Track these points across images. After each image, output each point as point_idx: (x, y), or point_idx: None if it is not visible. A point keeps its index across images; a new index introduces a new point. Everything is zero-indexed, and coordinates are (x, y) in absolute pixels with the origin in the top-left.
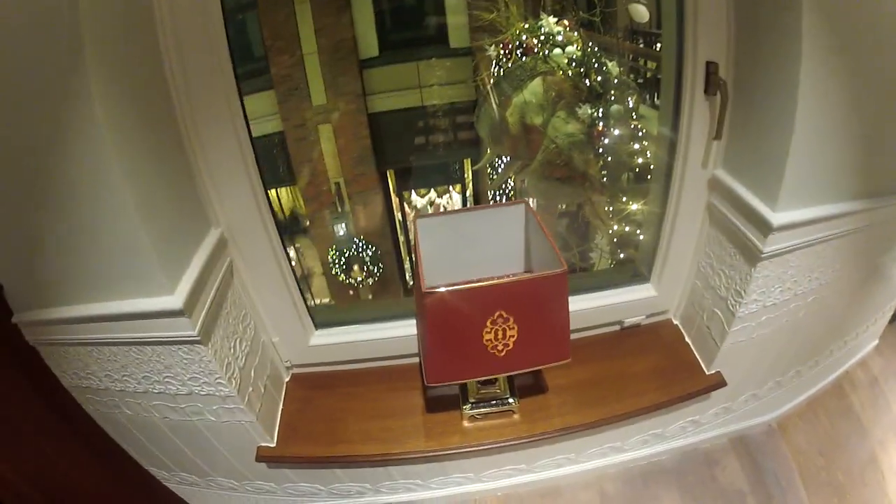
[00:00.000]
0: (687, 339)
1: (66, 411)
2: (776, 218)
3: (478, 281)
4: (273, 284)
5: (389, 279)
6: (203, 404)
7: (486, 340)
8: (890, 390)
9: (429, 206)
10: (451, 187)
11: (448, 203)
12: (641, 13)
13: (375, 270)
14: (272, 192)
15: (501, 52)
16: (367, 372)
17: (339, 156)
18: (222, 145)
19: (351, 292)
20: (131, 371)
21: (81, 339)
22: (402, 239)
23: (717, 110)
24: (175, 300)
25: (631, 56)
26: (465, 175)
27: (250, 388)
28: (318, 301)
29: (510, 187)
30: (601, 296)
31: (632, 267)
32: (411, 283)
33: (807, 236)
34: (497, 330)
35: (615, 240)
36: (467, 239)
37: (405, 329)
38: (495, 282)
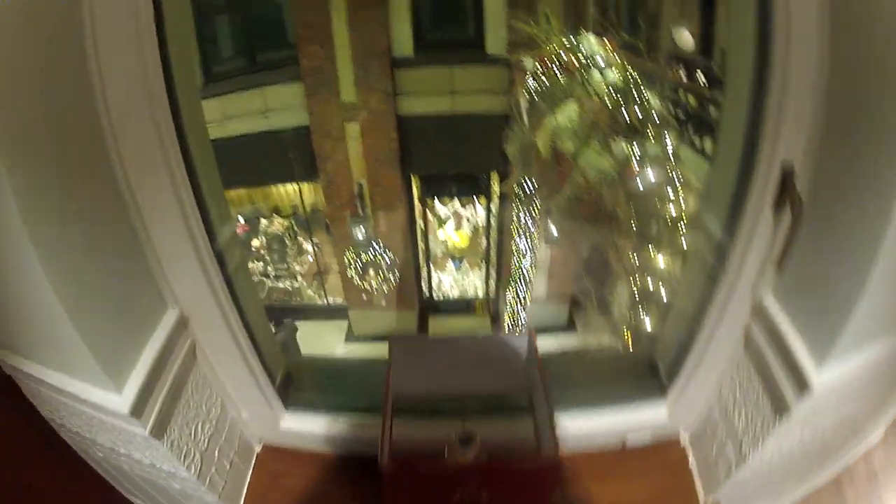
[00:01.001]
0: (691, 463)
1: (44, 434)
2: (819, 377)
3: (452, 449)
4: (235, 365)
5: (405, 289)
6: (167, 475)
7: None
8: (886, 487)
9: (451, 217)
10: (476, 198)
11: (472, 215)
12: (686, 40)
13: (391, 278)
14: (293, 186)
15: (538, 65)
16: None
17: (365, 156)
18: (169, 227)
19: (364, 297)
20: (96, 430)
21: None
22: (421, 247)
23: (784, 232)
24: (122, 402)
25: (673, 87)
26: (492, 188)
27: (213, 469)
28: (332, 299)
29: (531, 216)
30: (607, 413)
31: (645, 370)
32: (427, 295)
33: (847, 388)
34: None
35: (636, 293)
36: (454, 370)
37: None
38: (470, 462)
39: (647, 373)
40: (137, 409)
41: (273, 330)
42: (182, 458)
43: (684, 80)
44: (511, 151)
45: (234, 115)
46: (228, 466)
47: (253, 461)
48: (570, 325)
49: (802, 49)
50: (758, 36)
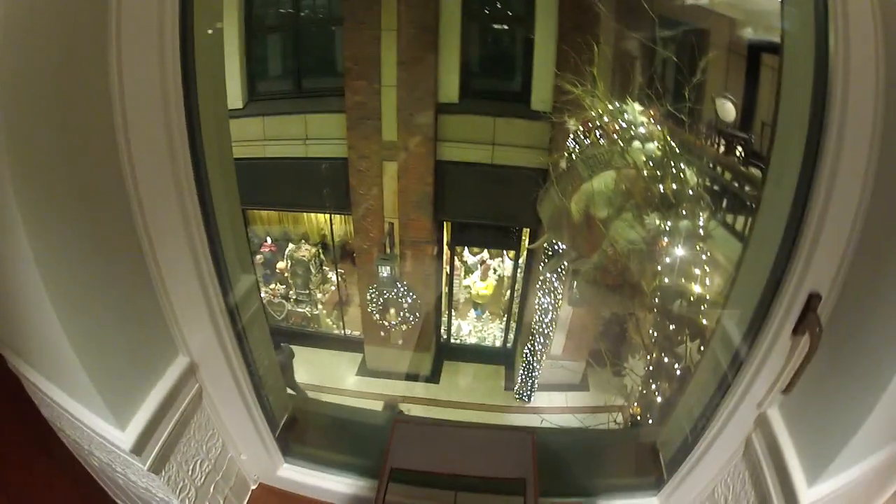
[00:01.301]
0: None
1: (41, 433)
2: (808, 496)
3: None
4: (239, 413)
5: (423, 330)
6: (160, 500)
7: None
8: None
9: (479, 265)
10: (505, 251)
11: (499, 266)
12: (729, 111)
13: (411, 318)
14: (324, 216)
15: (580, 128)
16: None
17: (399, 196)
18: (183, 279)
19: (382, 333)
20: (95, 446)
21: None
22: (445, 292)
23: (798, 357)
24: (124, 438)
25: (711, 162)
26: (522, 242)
27: (207, 503)
28: (349, 331)
29: (557, 275)
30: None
31: (645, 458)
32: (445, 339)
33: (838, 498)
34: None
35: (650, 367)
36: (453, 453)
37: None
38: None
39: (646, 461)
40: (139, 448)
41: (282, 378)
42: (178, 491)
43: (722, 153)
44: (544, 212)
45: (275, 137)
46: (222, 501)
47: (247, 498)
48: (582, 385)
49: (849, 170)
50: (805, 157)
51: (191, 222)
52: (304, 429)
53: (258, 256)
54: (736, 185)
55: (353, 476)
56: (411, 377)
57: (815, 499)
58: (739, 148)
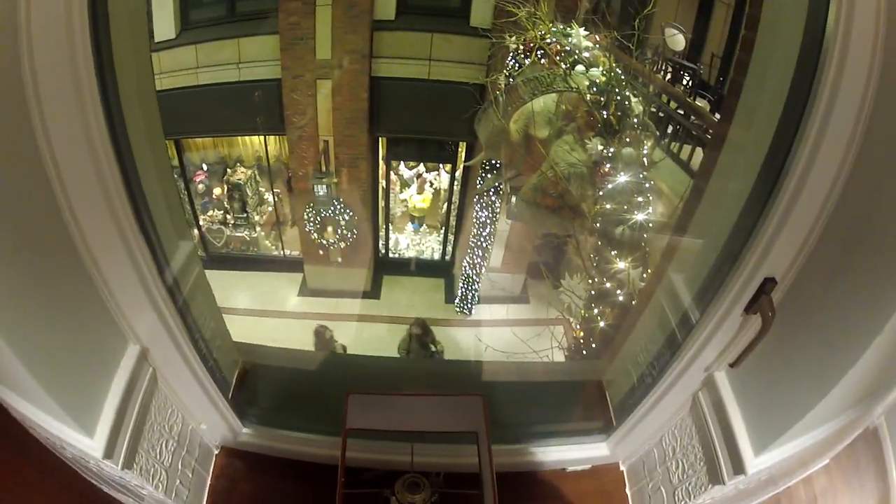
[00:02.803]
0: (627, 491)
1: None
2: (754, 464)
3: None
4: (191, 385)
5: (361, 246)
6: (135, 486)
7: None
8: None
9: (415, 179)
10: (441, 165)
11: (436, 179)
12: (678, 41)
13: (349, 235)
14: (258, 138)
15: (521, 48)
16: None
17: (333, 113)
18: (119, 267)
19: (321, 252)
20: (66, 446)
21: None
22: (381, 205)
23: (747, 335)
24: (94, 445)
25: (657, 91)
26: (459, 156)
27: (178, 481)
28: (288, 252)
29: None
30: (552, 450)
31: (593, 403)
32: (383, 254)
33: (784, 464)
34: None
35: (592, 292)
36: (407, 421)
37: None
38: None
39: (594, 405)
40: (109, 451)
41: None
42: (150, 479)
43: (668, 81)
44: (482, 130)
45: (208, 64)
46: (191, 475)
47: (212, 465)
48: (523, 297)
49: (828, 153)
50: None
51: (117, 208)
52: (257, 390)
53: (196, 185)
54: (682, 114)
55: (312, 434)
56: (352, 294)
57: (761, 467)
58: (687, 77)
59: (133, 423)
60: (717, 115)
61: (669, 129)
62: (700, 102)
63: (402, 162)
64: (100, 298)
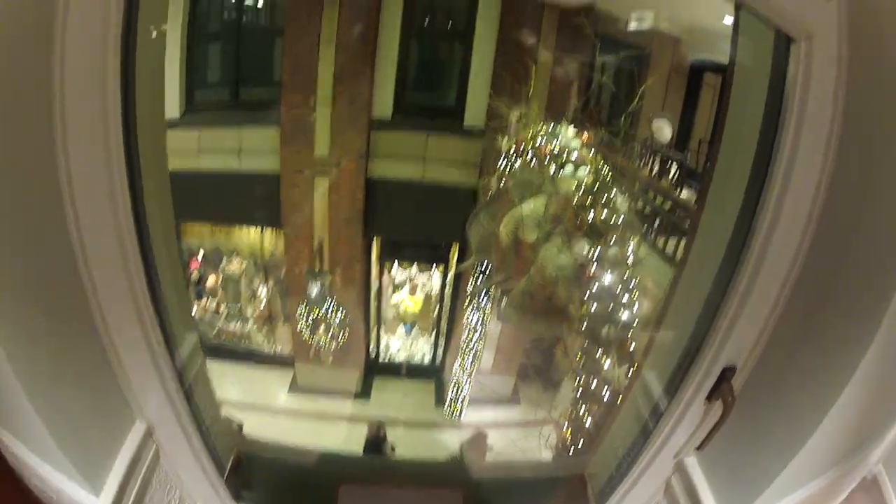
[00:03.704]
0: None
1: None
2: None
3: None
4: (190, 464)
5: (353, 347)
6: None
7: None
8: None
9: (407, 282)
10: (434, 266)
11: (428, 282)
12: (664, 132)
13: (341, 335)
14: (255, 230)
15: (512, 148)
16: None
17: (329, 212)
18: (133, 347)
19: (312, 350)
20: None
21: None
22: (374, 308)
23: (712, 421)
24: None
25: (644, 186)
26: (451, 258)
27: None
28: (279, 348)
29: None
30: None
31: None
32: (374, 357)
33: None
34: None
35: (579, 392)
36: None
37: None
38: None
39: (577, 499)
40: None
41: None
42: None
43: (656, 174)
44: (473, 234)
45: (209, 149)
46: None
47: None
48: (513, 399)
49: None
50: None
51: (137, 291)
52: (252, 476)
53: (191, 273)
54: (667, 208)
55: None
56: (343, 394)
57: None
58: (674, 168)
59: (134, 496)
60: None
61: (656, 223)
62: (687, 192)
63: (395, 263)
64: (114, 373)
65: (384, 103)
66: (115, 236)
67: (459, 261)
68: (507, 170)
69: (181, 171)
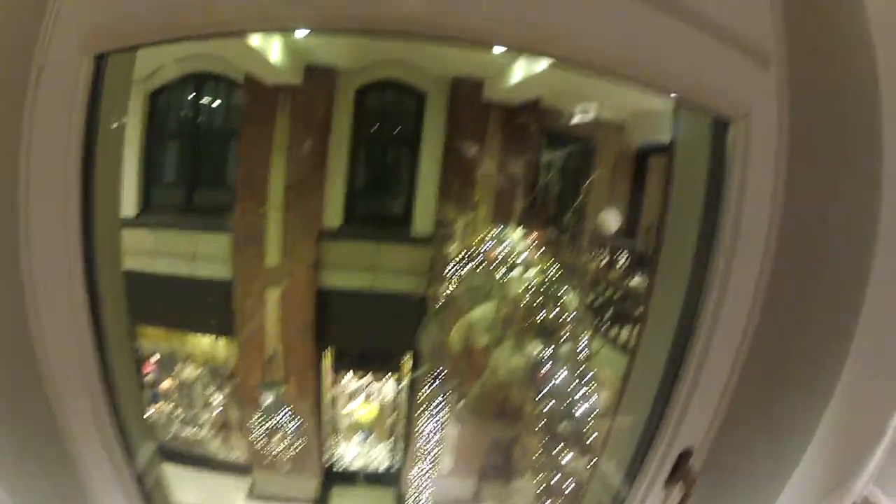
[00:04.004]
0: None
1: None
2: None
3: None
4: None
5: (310, 456)
6: None
7: None
8: None
9: (363, 390)
10: (388, 374)
11: (382, 390)
12: (611, 223)
13: (296, 444)
14: (209, 339)
15: (461, 254)
16: None
17: (282, 323)
18: (96, 460)
19: (267, 459)
20: None
21: None
22: (329, 417)
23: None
24: None
25: (593, 280)
26: (404, 365)
27: None
28: (236, 455)
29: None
30: None
31: None
32: (330, 465)
33: None
34: None
35: (541, 488)
36: None
37: None
38: None
39: None
40: None
41: None
42: None
43: (605, 266)
44: (424, 343)
45: (164, 252)
46: None
47: None
48: (476, 498)
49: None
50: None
51: (95, 393)
52: None
53: (144, 376)
54: (618, 297)
55: None
56: (301, 501)
57: None
58: (624, 256)
59: None
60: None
61: (608, 314)
62: (638, 279)
63: (350, 372)
64: (74, 474)
65: (334, 212)
66: (74, 337)
67: (414, 368)
68: (457, 277)
69: (137, 272)
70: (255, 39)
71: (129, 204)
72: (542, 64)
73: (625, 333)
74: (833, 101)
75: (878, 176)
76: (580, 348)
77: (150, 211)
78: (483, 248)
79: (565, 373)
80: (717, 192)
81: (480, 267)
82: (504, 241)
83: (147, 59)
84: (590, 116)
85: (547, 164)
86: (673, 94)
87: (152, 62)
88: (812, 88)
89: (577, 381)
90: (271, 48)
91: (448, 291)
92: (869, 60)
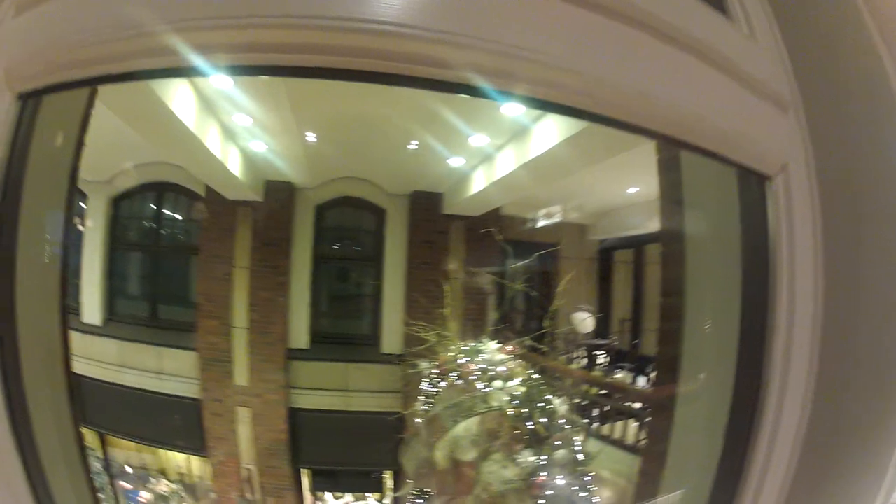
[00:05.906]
0: None
1: None
2: None
3: None
4: None
5: None
6: None
7: None
8: None
9: None
10: (368, 494)
11: None
12: (586, 324)
13: None
14: (183, 455)
15: (434, 371)
16: None
17: (255, 442)
18: None
19: None
20: None
21: None
22: None
23: None
24: None
25: (577, 381)
26: (384, 484)
27: None
28: None
29: None
30: None
31: None
32: None
33: None
34: None
35: None
36: None
37: None
38: None
39: None
40: None
41: None
42: None
43: (585, 366)
44: (408, 462)
45: (131, 365)
46: None
47: None
48: None
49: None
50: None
51: None
52: None
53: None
54: (605, 394)
55: None
56: None
57: None
58: (602, 354)
59: None
60: (639, 380)
61: (596, 413)
62: (620, 374)
63: (328, 493)
64: None
65: (300, 333)
66: None
67: (395, 486)
68: (433, 393)
69: (107, 382)
70: (216, 150)
71: (93, 312)
72: (502, 171)
73: (619, 429)
74: (856, 140)
75: None
76: (576, 450)
77: (116, 321)
78: (457, 363)
79: (563, 478)
80: (759, 263)
81: (458, 382)
82: (479, 354)
83: (104, 160)
84: (555, 219)
85: (514, 272)
86: (708, 150)
87: (110, 164)
88: (831, 134)
89: (579, 483)
90: (229, 160)
91: (427, 408)
92: (885, 89)
